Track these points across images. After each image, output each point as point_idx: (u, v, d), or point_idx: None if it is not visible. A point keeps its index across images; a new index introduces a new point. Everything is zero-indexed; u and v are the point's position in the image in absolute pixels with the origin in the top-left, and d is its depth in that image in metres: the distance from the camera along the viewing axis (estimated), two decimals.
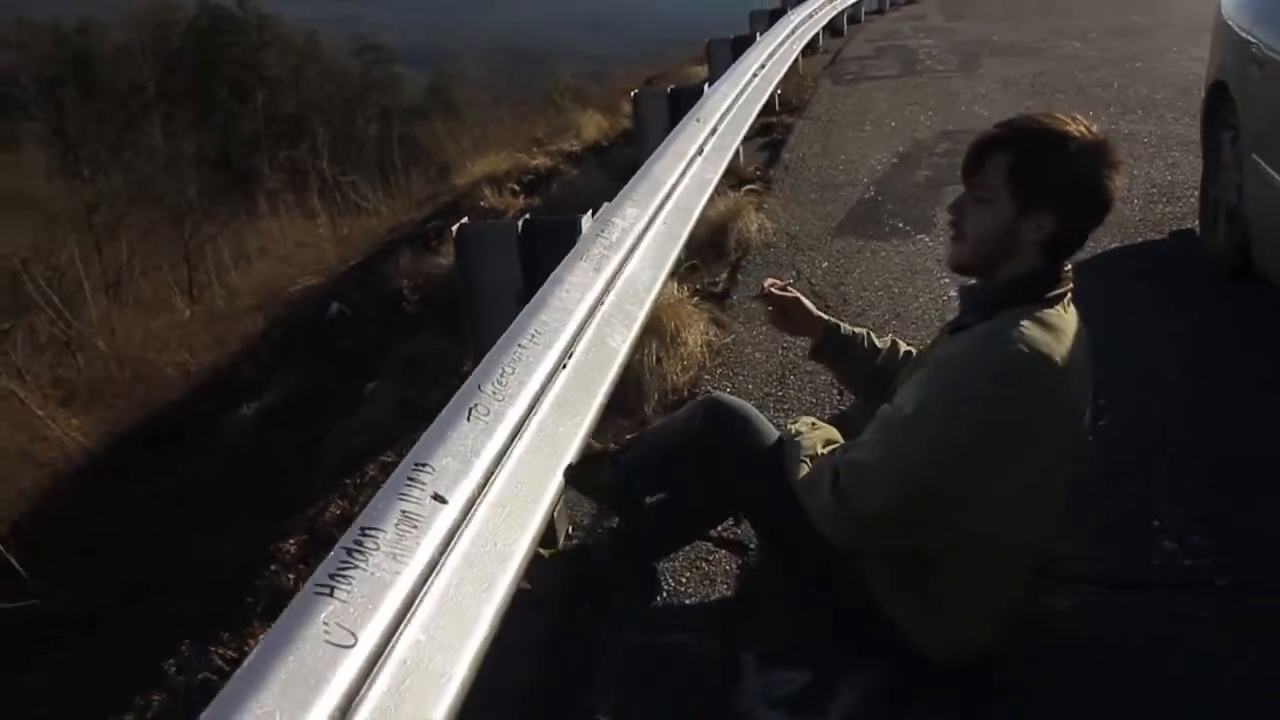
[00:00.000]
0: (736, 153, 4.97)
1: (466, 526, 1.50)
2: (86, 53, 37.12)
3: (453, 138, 11.36)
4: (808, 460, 1.86)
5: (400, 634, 1.24)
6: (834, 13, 11.16)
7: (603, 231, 2.46)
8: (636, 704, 1.94)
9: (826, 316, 2.17)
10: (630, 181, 3.00)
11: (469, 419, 1.58)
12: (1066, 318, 1.74)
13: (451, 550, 1.44)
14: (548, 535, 2.05)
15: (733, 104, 4.52)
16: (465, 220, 2.52)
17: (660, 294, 2.94)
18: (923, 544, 1.77)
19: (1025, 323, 1.67)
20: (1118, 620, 2.05)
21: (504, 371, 1.74)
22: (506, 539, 1.63)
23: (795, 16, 8.38)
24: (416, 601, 1.28)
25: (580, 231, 2.42)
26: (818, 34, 10.36)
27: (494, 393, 1.67)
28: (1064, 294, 1.75)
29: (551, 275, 2.17)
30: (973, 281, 1.87)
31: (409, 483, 1.40)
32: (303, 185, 16.69)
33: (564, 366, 2.14)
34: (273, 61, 41.46)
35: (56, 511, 4.56)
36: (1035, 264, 1.73)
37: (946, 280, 4.03)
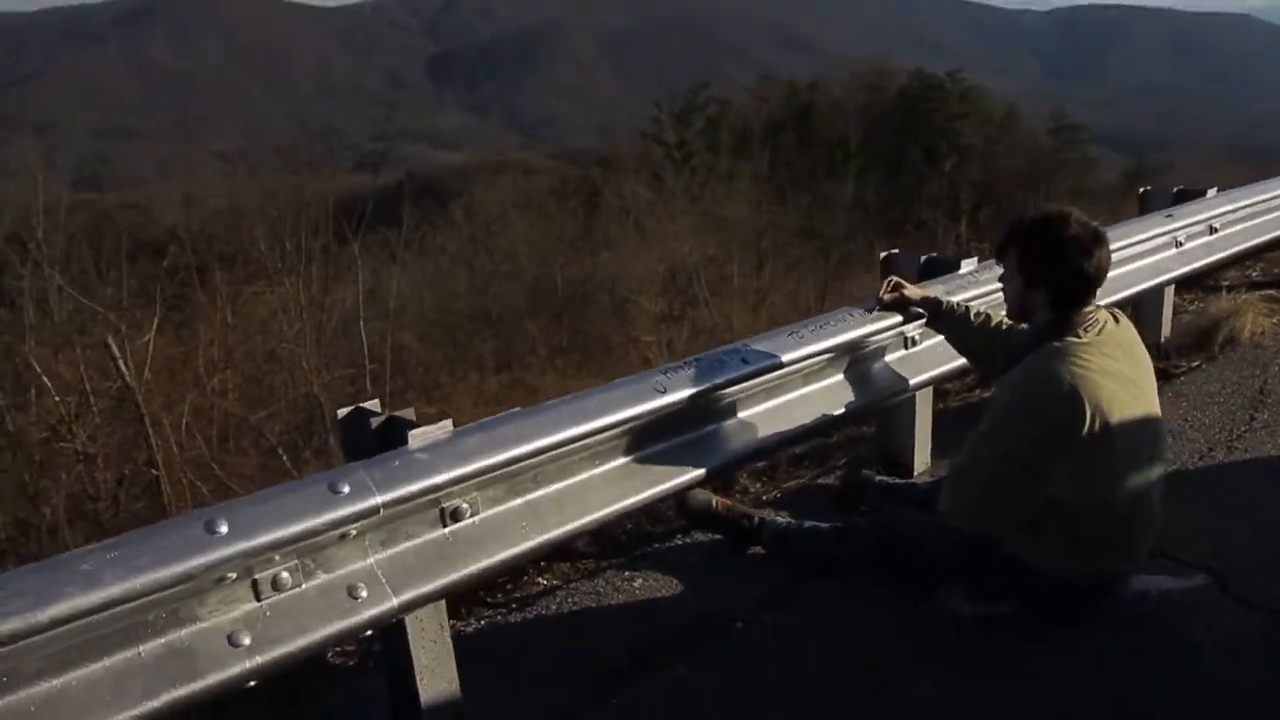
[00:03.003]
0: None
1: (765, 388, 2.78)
2: (808, 107, 42.53)
3: None
4: None
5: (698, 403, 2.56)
6: None
7: (976, 273, 3.46)
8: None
9: (930, 294, 3.15)
10: None
11: (789, 335, 2.83)
12: (1090, 341, 2.56)
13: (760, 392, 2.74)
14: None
15: (1239, 210, 4.90)
16: (894, 250, 3.68)
17: None
18: (1012, 520, 2.65)
19: (1035, 358, 2.57)
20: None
21: (824, 325, 2.95)
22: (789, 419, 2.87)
23: None
24: (708, 397, 2.59)
25: (959, 270, 3.46)
26: None
27: (811, 332, 2.89)
28: (1080, 328, 2.57)
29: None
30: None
31: (732, 350, 2.70)
32: (941, 245, 18.33)
33: (904, 347, 3.26)
34: (968, 131, 43.05)
35: None
36: (1047, 318, 2.64)
37: None
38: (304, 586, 1.97)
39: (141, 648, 1.80)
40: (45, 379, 9.22)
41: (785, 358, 2.80)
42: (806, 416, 2.95)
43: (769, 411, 2.87)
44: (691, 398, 2.56)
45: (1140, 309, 5.02)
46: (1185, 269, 4.61)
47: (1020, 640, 2.68)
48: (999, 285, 3.45)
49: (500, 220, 26.48)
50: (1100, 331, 2.62)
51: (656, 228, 22.38)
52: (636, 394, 2.45)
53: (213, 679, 1.83)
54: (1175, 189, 4.94)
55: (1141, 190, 5.08)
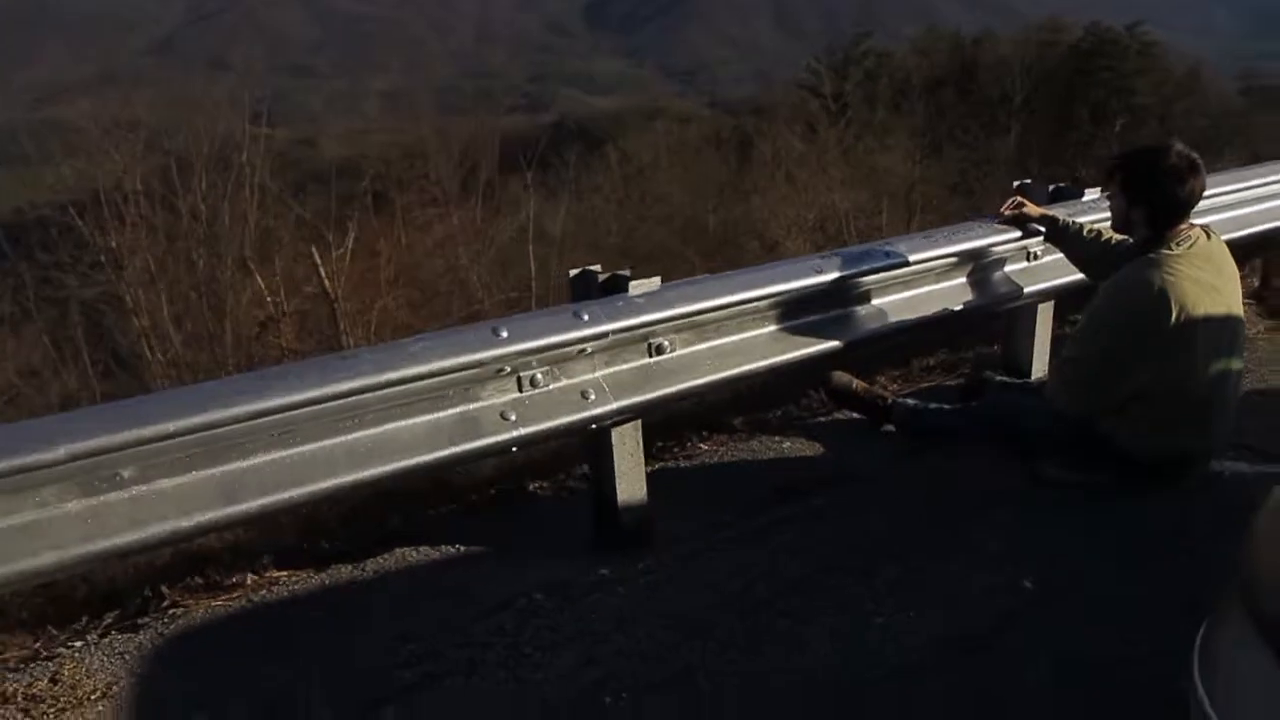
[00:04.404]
0: None
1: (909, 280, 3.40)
2: (973, 62, 41.29)
3: None
4: None
5: (844, 285, 3.21)
6: None
7: (1096, 201, 3.94)
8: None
9: (1049, 212, 3.63)
10: None
11: (924, 238, 3.45)
12: (1181, 253, 3.06)
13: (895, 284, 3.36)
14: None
15: None
16: (1026, 180, 4.19)
17: None
18: (1105, 402, 3.19)
19: (1132, 265, 3.12)
20: None
21: (955, 232, 3.54)
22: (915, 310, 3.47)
23: None
24: (854, 282, 3.23)
25: (1081, 197, 3.96)
26: None
27: (943, 236, 3.49)
28: (1172, 242, 3.08)
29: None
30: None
31: (878, 246, 3.33)
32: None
33: (1026, 260, 3.80)
34: (1144, 90, 40.88)
35: None
36: (1144, 233, 3.17)
37: None
38: (551, 386, 2.73)
39: (441, 413, 2.59)
40: (260, 280, 10.50)
41: (918, 256, 3.41)
42: (930, 309, 3.57)
43: (901, 301, 3.49)
44: (839, 280, 3.20)
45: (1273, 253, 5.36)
46: None
47: (1093, 503, 3.24)
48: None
49: (653, 164, 27.17)
50: (1191, 246, 3.13)
51: (807, 178, 22.68)
52: (797, 272, 3.12)
53: (489, 441, 2.62)
54: None
55: None
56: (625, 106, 63.00)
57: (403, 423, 2.53)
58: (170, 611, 3.19)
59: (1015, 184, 4.16)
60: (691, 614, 2.72)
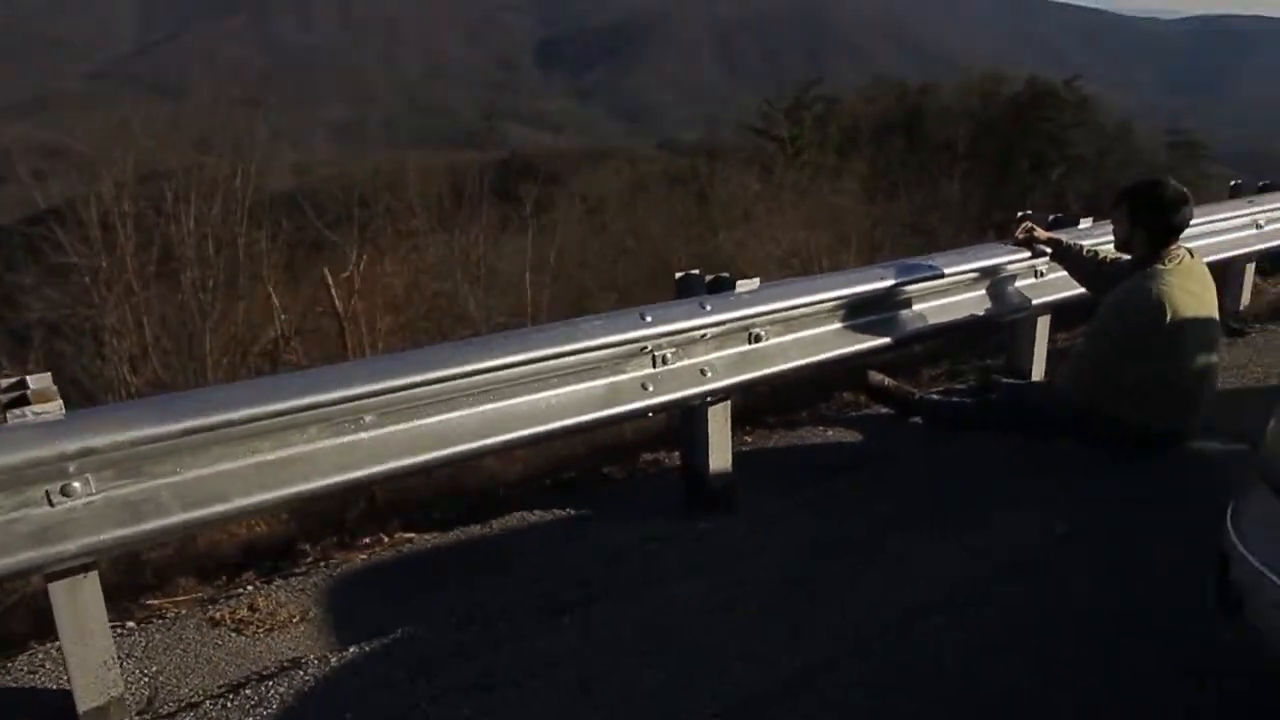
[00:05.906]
0: None
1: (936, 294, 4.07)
2: (919, 110, 42.87)
3: None
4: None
5: (894, 292, 3.87)
6: None
7: (1090, 229, 4.66)
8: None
9: (1054, 236, 4.39)
10: None
11: (958, 254, 4.10)
12: (1172, 268, 3.80)
13: (933, 293, 4.02)
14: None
15: None
16: (1028, 210, 4.90)
17: None
18: (1111, 389, 3.88)
19: (1135, 277, 3.87)
20: None
21: (980, 251, 4.22)
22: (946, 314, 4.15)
23: None
24: (902, 289, 3.89)
25: (1078, 225, 4.69)
26: None
27: (972, 253, 4.16)
28: (1165, 259, 3.81)
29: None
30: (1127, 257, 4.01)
31: (923, 260, 3.98)
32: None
33: (1034, 276, 4.50)
34: (1080, 141, 42.53)
35: None
36: (1143, 251, 3.91)
37: None
38: (676, 365, 3.35)
39: (595, 382, 3.19)
40: (275, 300, 10.92)
41: (952, 269, 4.10)
42: (960, 314, 4.29)
43: (935, 307, 4.19)
44: (894, 286, 3.88)
45: (1225, 282, 6.15)
46: (1262, 246, 5.74)
47: (1096, 472, 3.93)
48: (1106, 238, 4.71)
49: (616, 201, 27.91)
50: (1180, 263, 3.86)
51: (766, 216, 23.60)
52: (865, 278, 3.79)
53: (631, 406, 3.24)
54: (1260, 182, 6.04)
55: (1233, 183, 6.20)
56: (575, 146, 63.91)
57: (569, 388, 3.12)
58: (323, 563, 3.71)
59: (1019, 214, 4.89)
60: (792, 556, 3.33)
